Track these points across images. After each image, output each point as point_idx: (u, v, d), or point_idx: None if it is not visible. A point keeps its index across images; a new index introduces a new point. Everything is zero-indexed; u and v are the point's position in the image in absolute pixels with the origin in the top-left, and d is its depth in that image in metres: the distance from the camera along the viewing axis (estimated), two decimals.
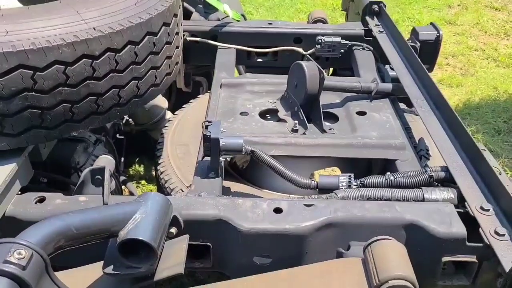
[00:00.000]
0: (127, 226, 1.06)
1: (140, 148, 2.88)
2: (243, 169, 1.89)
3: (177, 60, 1.78)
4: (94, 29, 1.31)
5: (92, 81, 1.34)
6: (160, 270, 1.13)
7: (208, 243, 1.32)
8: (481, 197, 1.36)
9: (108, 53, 1.34)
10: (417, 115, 1.89)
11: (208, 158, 1.58)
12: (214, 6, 2.47)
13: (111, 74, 1.37)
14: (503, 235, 1.23)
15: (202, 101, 2.22)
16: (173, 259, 1.14)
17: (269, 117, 1.96)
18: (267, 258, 1.32)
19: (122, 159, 2.45)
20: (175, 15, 1.65)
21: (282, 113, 1.93)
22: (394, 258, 1.14)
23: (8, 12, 1.32)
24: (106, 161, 1.44)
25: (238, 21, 2.51)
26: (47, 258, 0.86)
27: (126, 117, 2.56)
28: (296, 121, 1.84)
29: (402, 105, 2.08)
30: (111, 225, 1.04)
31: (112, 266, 1.09)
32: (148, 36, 1.45)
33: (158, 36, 1.51)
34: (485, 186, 1.40)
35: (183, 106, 2.24)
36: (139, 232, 1.05)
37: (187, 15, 2.51)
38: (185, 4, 2.56)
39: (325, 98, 1.97)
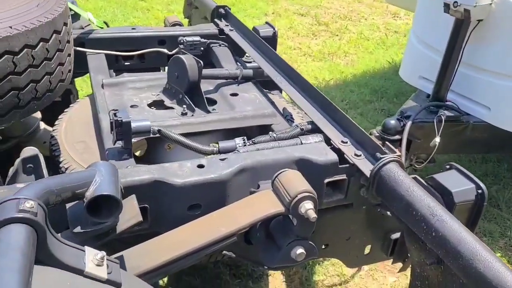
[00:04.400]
0: (91, 188, 1.23)
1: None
2: (141, 156, 2.09)
3: (69, 68, 1.90)
4: None
5: None
6: (121, 224, 1.31)
7: (146, 205, 1.53)
8: (340, 135, 1.86)
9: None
10: (274, 94, 2.36)
11: (117, 144, 1.77)
12: (76, 15, 2.58)
13: None
14: (360, 155, 1.73)
15: (84, 103, 2.33)
16: (128, 213, 1.34)
17: (155, 108, 2.19)
18: (198, 207, 1.58)
19: None
20: (65, 24, 1.79)
21: (168, 102, 2.20)
22: (296, 180, 1.54)
23: None
24: (34, 151, 1.49)
25: (102, 28, 2.66)
26: (46, 209, 1.00)
27: None
28: (184, 106, 2.12)
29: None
30: (78, 188, 1.20)
31: (79, 227, 1.24)
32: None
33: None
34: (341, 128, 1.90)
35: (65, 110, 2.31)
36: (104, 190, 1.22)
37: None
38: None
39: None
